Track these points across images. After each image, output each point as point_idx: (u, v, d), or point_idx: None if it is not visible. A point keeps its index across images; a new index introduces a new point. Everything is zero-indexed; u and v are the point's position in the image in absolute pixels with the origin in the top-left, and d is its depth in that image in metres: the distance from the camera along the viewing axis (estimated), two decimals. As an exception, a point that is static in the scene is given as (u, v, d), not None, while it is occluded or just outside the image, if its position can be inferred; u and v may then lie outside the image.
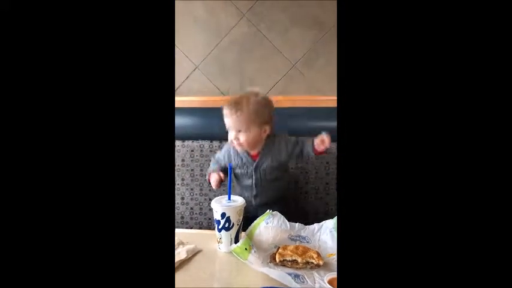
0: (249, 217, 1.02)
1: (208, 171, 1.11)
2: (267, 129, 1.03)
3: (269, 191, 1.07)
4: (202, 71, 1.45)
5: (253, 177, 1.05)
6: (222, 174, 1.04)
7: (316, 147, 0.98)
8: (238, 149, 1.04)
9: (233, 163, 1.06)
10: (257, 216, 0.99)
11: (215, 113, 1.41)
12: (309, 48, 1.39)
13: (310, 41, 1.39)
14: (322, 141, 0.96)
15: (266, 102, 1.03)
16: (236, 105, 1.00)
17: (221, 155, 1.12)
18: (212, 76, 1.45)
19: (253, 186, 1.06)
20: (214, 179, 1.04)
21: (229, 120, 1.01)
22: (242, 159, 1.06)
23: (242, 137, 1.00)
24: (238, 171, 1.07)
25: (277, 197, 1.10)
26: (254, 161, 1.05)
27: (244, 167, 1.06)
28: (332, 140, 1.28)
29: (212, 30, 1.42)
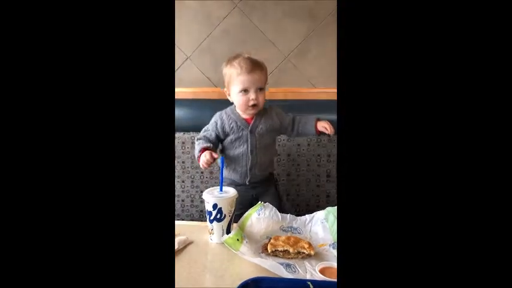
0: (245, 202, 1.00)
1: (198, 148, 1.04)
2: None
3: (263, 163, 1.07)
4: (194, 61, 1.43)
5: (249, 141, 1.03)
6: (214, 155, 0.99)
7: (318, 127, 1.05)
8: (253, 111, 1.02)
9: (227, 128, 1.04)
10: (250, 200, 1.01)
11: (207, 105, 1.39)
12: (301, 40, 1.38)
13: (303, 33, 1.38)
14: (325, 128, 1.03)
15: None
16: (258, 63, 1.02)
17: (211, 125, 1.08)
18: (203, 67, 1.43)
19: (249, 152, 1.04)
20: (205, 158, 0.97)
21: (252, 77, 0.99)
22: (237, 123, 1.04)
23: (261, 96, 1.02)
24: (231, 136, 1.04)
25: (267, 175, 1.12)
26: (249, 124, 1.04)
27: (240, 130, 1.04)
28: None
29: (204, 20, 1.39)
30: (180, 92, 1.36)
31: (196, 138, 1.09)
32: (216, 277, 0.67)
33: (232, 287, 0.55)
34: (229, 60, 1.04)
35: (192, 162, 1.34)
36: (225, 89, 1.07)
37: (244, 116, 1.05)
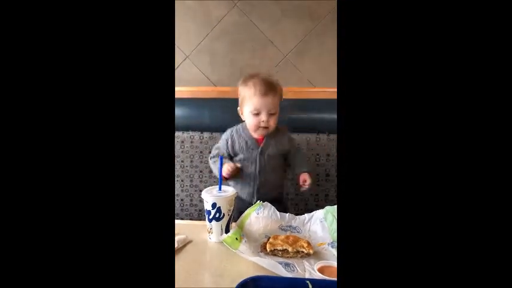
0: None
1: (212, 161, 1.08)
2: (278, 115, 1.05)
3: (270, 184, 1.06)
4: (193, 60, 1.43)
5: (257, 162, 1.03)
6: (232, 165, 1.00)
7: (300, 181, 1.03)
8: (263, 132, 1.02)
9: (237, 147, 1.04)
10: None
11: (205, 104, 1.39)
12: (300, 39, 1.38)
13: (302, 32, 1.38)
14: (304, 181, 1.01)
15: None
16: (273, 86, 1.00)
17: (222, 143, 1.08)
18: (202, 66, 1.43)
19: (257, 173, 1.03)
20: (229, 166, 0.99)
21: (265, 101, 0.98)
22: (247, 143, 1.04)
23: (272, 120, 1.01)
24: (241, 156, 1.04)
25: (276, 196, 1.09)
26: (259, 145, 1.04)
27: (249, 150, 1.03)
28: (329, 132, 1.30)
29: (203, 19, 1.39)
30: (179, 91, 1.36)
31: (209, 157, 1.11)
32: (214, 276, 0.67)
33: (231, 286, 0.55)
34: (245, 80, 1.03)
35: (191, 161, 1.34)
36: (239, 108, 1.07)
37: (255, 135, 1.04)
